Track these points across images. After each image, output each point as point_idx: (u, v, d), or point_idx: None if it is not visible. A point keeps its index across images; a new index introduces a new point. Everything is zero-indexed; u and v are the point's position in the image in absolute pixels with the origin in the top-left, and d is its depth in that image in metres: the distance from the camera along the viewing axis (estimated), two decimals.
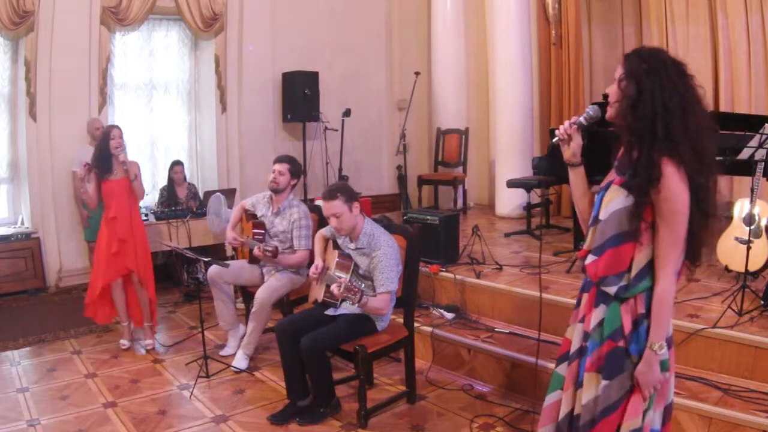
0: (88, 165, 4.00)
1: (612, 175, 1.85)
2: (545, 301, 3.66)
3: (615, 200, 1.76)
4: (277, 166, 3.86)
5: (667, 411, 1.86)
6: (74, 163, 5.29)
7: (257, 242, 3.77)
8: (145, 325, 4.19)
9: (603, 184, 1.86)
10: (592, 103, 2.04)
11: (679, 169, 1.65)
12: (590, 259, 1.82)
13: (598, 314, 1.81)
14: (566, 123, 1.93)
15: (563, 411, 1.90)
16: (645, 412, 1.76)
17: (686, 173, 1.65)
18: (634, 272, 1.73)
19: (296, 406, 3.15)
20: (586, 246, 1.87)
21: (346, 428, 3.07)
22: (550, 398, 1.98)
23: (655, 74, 1.69)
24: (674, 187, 1.64)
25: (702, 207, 1.69)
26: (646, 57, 1.73)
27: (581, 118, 1.92)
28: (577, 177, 1.97)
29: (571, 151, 1.93)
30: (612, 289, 1.76)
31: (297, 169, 3.92)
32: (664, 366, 1.76)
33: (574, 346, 1.90)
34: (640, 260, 1.72)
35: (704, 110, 1.72)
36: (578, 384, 1.85)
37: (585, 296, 1.90)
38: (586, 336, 1.85)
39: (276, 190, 3.87)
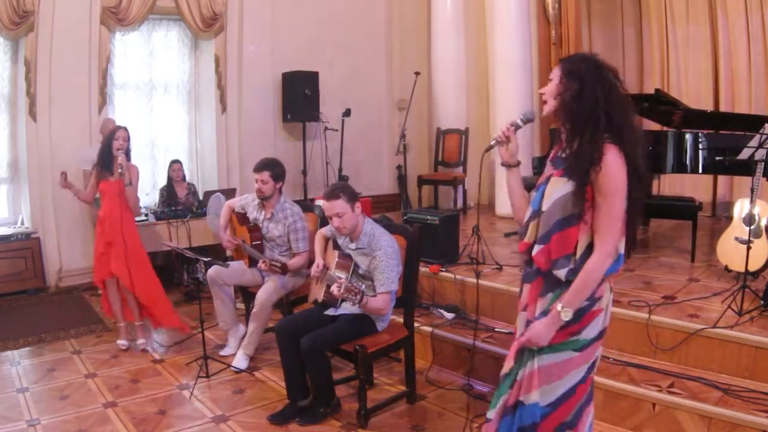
0: (64, 173, 4.04)
1: (549, 171, 1.94)
2: None
3: (557, 189, 1.85)
4: (258, 176, 3.75)
5: (581, 390, 1.90)
6: (84, 163, 5.29)
7: (256, 250, 3.77)
8: (136, 323, 4.19)
9: (541, 180, 1.96)
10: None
11: (620, 153, 1.77)
12: (537, 249, 1.90)
13: (544, 303, 1.90)
14: (504, 126, 2.03)
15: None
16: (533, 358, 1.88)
17: (627, 157, 1.78)
18: (579, 253, 1.82)
19: (296, 406, 3.15)
20: (526, 239, 1.96)
21: (346, 428, 3.07)
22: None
23: (596, 71, 1.81)
24: (615, 167, 1.76)
25: (643, 186, 1.84)
26: (585, 59, 1.87)
27: (518, 121, 2.03)
28: (515, 177, 2.07)
29: (510, 152, 2.04)
30: (562, 272, 1.83)
31: (279, 172, 3.80)
32: (574, 344, 1.85)
33: (519, 333, 2.01)
34: (584, 242, 1.82)
35: (634, 111, 1.87)
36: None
37: (526, 287, 2.00)
38: (527, 324, 1.94)
39: (263, 199, 3.83)
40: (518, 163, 2.05)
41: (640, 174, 1.82)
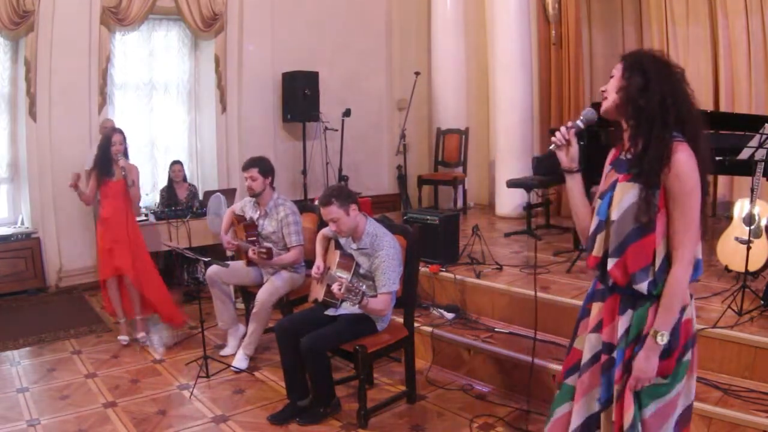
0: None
1: (612, 176, 1.82)
2: (545, 301, 3.68)
3: (627, 195, 1.72)
4: (246, 173, 3.82)
5: (686, 414, 1.80)
6: (89, 163, 5.28)
7: (250, 244, 3.78)
8: (137, 318, 4.26)
9: (605, 187, 1.83)
10: (589, 106, 1.99)
11: (692, 152, 1.65)
12: (612, 263, 1.75)
13: (624, 322, 1.76)
14: (563, 128, 1.87)
15: (574, 422, 1.84)
16: (641, 408, 1.73)
17: (699, 157, 1.66)
18: (657, 264, 1.69)
19: (296, 406, 3.15)
20: (595, 253, 1.81)
21: (346, 428, 3.07)
22: (560, 410, 1.92)
23: (662, 66, 1.70)
24: (688, 166, 1.64)
25: (704, 187, 1.69)
26: (649, 53, 1.74)
27: (578, 122, 1.87)
28: (576, 184, 1.92)
29: (570, 156, 1.88)
30: (643, 286, 1.70)
31: (267, 167, 3.85)
32: (684, 367, 1.74)
33: (586, 357, 1.85)
34: (661, 251, 1.69)
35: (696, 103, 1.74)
36: (607, 400, 1.79)
37: (597, 305, 1.85)
38: (607, 347, 1.79)
39: (255, 195, 3.87)
40: (579, 169, 1.89)
41: (705, 177, 1.69)
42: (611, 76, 1.78)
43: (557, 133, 1.88)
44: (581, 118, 1.88)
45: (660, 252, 1.69)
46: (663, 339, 1.67)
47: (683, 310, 1.72)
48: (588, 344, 1.85)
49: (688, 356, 1.75)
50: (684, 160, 1.63)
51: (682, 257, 1.65)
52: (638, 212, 1.68)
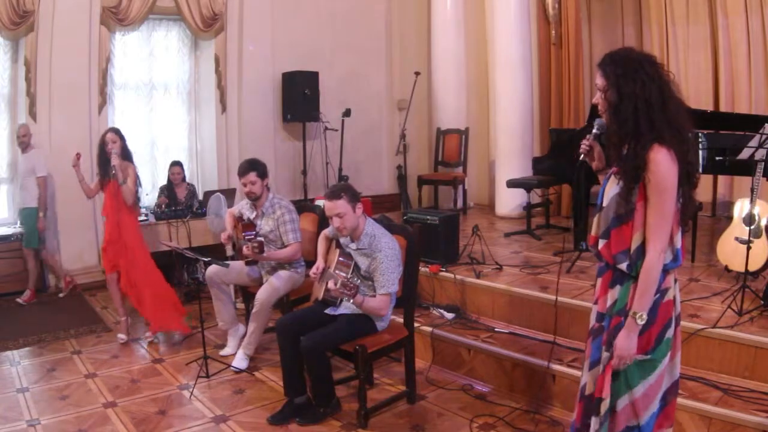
0: (79, 154, 4.13)
1: (614, 168, 1.99)
2: (545, 301, 3.68)
3: (613, 188, 1.93)
4: (244, 179, 3.79)
5: (673, 389, 1.99)
6: (39, 170, 5.22)
7: (246, 242, 3.79)
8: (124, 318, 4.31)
9: (607, 175, 2.03)
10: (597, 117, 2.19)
11: (669, 151, 1.79)
12: (601, 243, 1.98)
13: (613, 294, 1.95)
14: (584, 141, 2.11)
15: (582, 381, 2.06)
16: (631, 389, 1.89)
17: (676, 154, 1.80)
18: (632, 249, 1.88)
19: (294, 403, 3.15)
20: (593, 233, 2.04)
21: (346, 428, 3.07)
22: None
23: (632, 76, 1.82)
24: (663, 169, 1.79)
25: (691, 180, 1.89)
26: (619, 61, 1.87)
27: (595, 131, 2.12)
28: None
29: (597, 158, 2.12)
30: (623, 266, 1.90)
31: (263, 170, 3.85)
32: (667, 344, 1.89)
33: (590, 325, 2.08)
34: (636, 239, 1.87)
35: (676, 91, 1.87)
36: (592, 362, 2.00)
37: (599, 280, 2.05)
38: (600, 316, 2.01)
39: (255, 199, 3.86)
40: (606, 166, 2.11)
41: (690, 172, 1.86)
42: (597, 88, 1.93)
43: (582, 143, 2.12)
44: (596, 128, 2.11)
45: (636, 240, 1.87)
46: (642, 319, 1.84)
47: (665, 292, 1.89)
48: (592, 314, 2.09)
49: (669, 334, 1.90)
50: (660, 163, 1.78)
51: (655, 246, 1.83)
52: (617, 205, 1.89)
